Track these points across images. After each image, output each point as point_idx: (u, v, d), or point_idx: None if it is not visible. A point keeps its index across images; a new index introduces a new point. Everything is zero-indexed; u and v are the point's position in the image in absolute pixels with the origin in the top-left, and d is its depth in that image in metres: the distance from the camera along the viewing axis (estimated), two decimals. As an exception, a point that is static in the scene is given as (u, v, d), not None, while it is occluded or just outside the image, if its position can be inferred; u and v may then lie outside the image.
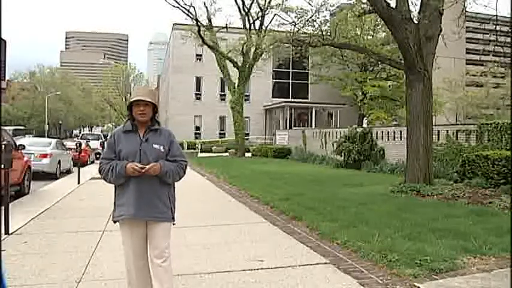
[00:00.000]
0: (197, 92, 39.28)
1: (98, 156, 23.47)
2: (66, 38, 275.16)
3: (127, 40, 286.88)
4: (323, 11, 18.40)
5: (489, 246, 4.68)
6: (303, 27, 16.03)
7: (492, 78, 48.50)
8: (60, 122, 66.80)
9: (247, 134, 35.64)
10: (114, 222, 3.06)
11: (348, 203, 7.82)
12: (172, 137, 3.07)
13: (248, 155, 26.95)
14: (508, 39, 14.78)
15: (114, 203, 3.01)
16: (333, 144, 18.38)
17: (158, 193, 2.95)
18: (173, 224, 3.08)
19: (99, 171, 2.98)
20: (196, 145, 33.64)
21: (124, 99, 61.33)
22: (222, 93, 38.28)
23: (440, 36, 10.11)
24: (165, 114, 43.36)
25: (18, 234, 5.68)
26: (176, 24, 35.60)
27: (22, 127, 43.68)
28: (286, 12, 23.14)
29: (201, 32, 23.69)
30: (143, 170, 2.81)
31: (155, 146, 2.94)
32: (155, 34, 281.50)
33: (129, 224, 2.96)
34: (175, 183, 3.12)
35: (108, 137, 3.15)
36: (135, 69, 66.20)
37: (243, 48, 24.87)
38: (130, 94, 62.05)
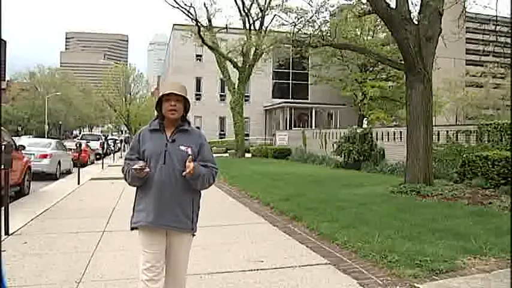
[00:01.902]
0: (197, 93, 39.29)
1: (97, 157, 23.47)
2: (66, 38, 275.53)
3: (127, 41, 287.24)
4: (323, 12, 18.36)
5: (489, 246, 4.68)
6: (303, 27, 16.01)
7: (492, 79, 48.57)
8: (60, 122, 66.79)
9: (247, 135, 35.64)
10: (132, 229, 2.77)
11: (348, 203, 7.82)
12: (203, 139, 2.78)
13: (248, 155, 26.96)
14: (508, 40, 14.79)
15: (134, 208, 2.77)
16: (333, 145, 18.38)
17: (180, 200, 2.68)
18: (193, 236, 2.84)
19: (122, 173, 2.78)
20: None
21: (124, 100, 61.26)
22: (222, 93, 38.33)
23: (440, 36, 10.11)
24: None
25: (18, 235, 5.68)
26: (176, 24, 35.64)
27: None
28: (286, 13, 23.16)
29: (201, 33, 23.70)
30: (183, 174, 2.58)
31: (182, 147, 2.67)
32: (155, 35, 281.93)
33: (149, 232, 2.68)
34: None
35: (133, 137, 2.93)
36: (135, 70, 66.10)
37: (243, 49, 24.88)
38: (130, 94, 62.31)
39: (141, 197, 2.71)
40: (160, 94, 2.71)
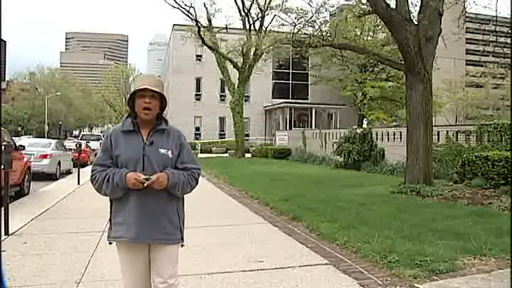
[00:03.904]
0: (197, 93, 39.31)
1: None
2: (66, 38, 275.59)
3: (127, 41, 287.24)
4: (323, 12, 18.41)
5: (489, 247, 4.68)
6: (303, 27, 16.04)
7: (492, 79, 48.56)
8: (60, 122, 66.81)
9: (247, 135, 35.67)
10: (110, 243, 2.49)
11: (348, 203, 7.82)
12: (182, 139, 2.48)
13: (248, 155, 26.96)
14: (508, 40, 14.80)
15: (110, 219, 2.45)
16: (333, 145, 18.40)
17: (165, 210, 2.39)
18: (181, 246, 2.53)
19: (91, 181, 2.40)
20: (196, 146, 33.70)
21: (124, 100, 61.37)
22: (222, 94, 38.34)
23: (440, 37, 10.12)
24: (165, 115, 43.48)
25: (18, 235, 5.68)
26: (176, 25, 35.65)
27: None
28: (286, 13, 23.20)
29: (201, 33, 23.71)
30: (145, 184, 2.24)
31: (162, 150, 2.37)
32: (155, 35, 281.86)
33: (129, 247, 2.41)
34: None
35: (103, 138, 2.57)
36: (134, 70, 66.23)
37: (243, 49, 24.90)
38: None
39: (119, 209, 2.38)
40: (134, 89, 2.37)
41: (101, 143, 21.80)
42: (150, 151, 2.36)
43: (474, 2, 13.22)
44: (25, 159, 10.23)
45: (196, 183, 2.51)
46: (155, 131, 2.41)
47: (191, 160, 2.49)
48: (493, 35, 11.16)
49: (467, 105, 46.22)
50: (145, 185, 2.24)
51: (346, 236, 5.26)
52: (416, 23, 9.87)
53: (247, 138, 33.47)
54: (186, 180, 2.40)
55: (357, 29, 27.93)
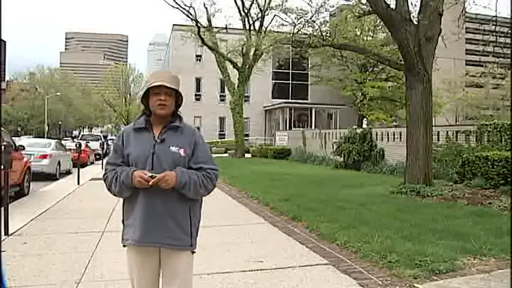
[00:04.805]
0: (197, 93, 39.30)
1: (97, 157, 23.47)
2: (66, 38, 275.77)
3: (127, 41, 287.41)
4: (323, 12, 18.41)
5: (489, 247, 4.68)
6: (302, 27, 16.04)
7: (492, 79, 48.54)
8: (60, 122, 66.75)
9: (247, 135, 35.65)
10: (124, 246, 2.37)
11: (347, 203, 7.82)
12: (197, 137, 2.33)
13: (248, 155, 26.96)
14: (508, 40, 14.80)
15: (123, 221, 2.36)
16: (332, 145, 18.39)
17: (174, 212, 2.23)
18: (193, 253, 2.36)
19: (104, 180, 2.34)
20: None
21: (124, 100, 61.29)
22: (222, 94, 38.34)
23: (440, 37, 10.12)
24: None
25: (17, 235, 5.68)
26: (176, 25, 35.65)
27: None
28: (286, 13, 23.20)
29: (201, 33, 23.72)
30: (150, 183, 2.12)
31: (173, 148, 2.24)
32: (155, 35, 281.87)
33: (137, 251, 2.29)
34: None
35: (116, 137, 2.53)
36: (134, 70, 66.12)
37: (242, 49, 24.91)
38: (130, 95, 62.31)
39: (129, 210, 2.29)
40: (148, 85, 2.27)
41: (100, 143, 21.67)
42: (160, 149, 2.24)
43: (474, 2, 13.20)
44: (25, 159, 10.23)
45: (213, 186, 2.33)
46: (168, 128, 2.29)
47: (207, 160, 2.34)
48: (493, 35, 11.16)
49: (467, 105, 46.22)
50: (150, 183, 2.11)
51: (346, 236, 5.26)
52: (416, 23, 9.87)
53: (247, 138, 33.47)
54: (200, 181, 2.24)
55: (356, 29, 27.93)
